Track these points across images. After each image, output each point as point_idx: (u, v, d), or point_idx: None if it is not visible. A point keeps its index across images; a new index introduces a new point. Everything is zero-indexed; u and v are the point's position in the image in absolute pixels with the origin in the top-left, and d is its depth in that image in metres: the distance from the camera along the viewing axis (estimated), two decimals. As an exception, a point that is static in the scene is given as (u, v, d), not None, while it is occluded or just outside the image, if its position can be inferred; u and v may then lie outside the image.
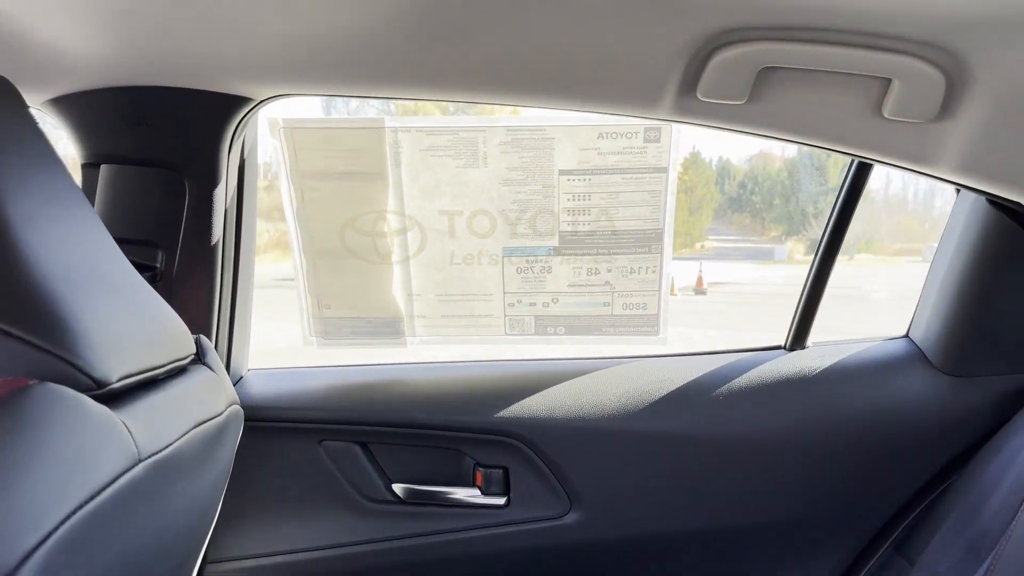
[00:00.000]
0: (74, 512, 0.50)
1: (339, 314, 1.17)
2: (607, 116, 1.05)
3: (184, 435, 0.68)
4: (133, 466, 0.58)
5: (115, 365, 0.60)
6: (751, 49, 0.80)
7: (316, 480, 1.15)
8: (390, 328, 1.18)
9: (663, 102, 0.92)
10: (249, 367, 1.21)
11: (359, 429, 1.14)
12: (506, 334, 1.19)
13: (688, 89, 0.88)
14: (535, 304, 1.16)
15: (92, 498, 0.52)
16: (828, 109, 0.89)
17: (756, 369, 1.16)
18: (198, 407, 0.73)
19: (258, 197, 1.15)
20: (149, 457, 0.61)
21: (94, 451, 0.54)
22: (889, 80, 0.83)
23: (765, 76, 0.85)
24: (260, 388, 1.16)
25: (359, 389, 1.16)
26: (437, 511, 1.15)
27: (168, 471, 0.65)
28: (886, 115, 0.86)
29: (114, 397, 0.60)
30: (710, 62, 0.82)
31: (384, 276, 1.16)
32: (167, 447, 0.64)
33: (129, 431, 0.59)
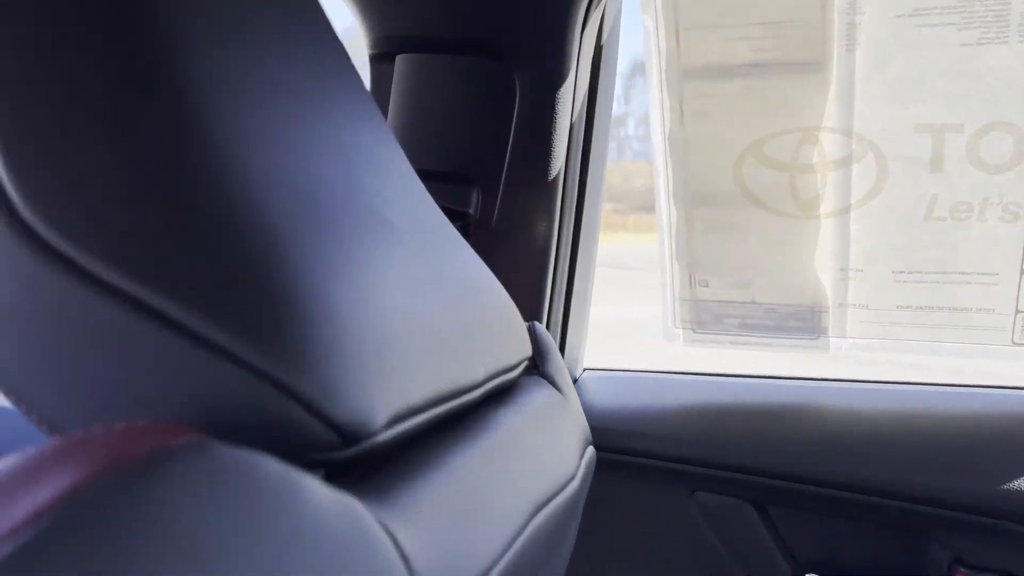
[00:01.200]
0: None
1: (722, 296, 0.76)
2: None
3: (519, 535, 0.31)
4: None
5: (388, 394, 0.24)
6: None
7: (684, 549, 0.75)
8: (805, 321, 0.74)
9: None
10: (585, 365, 0.84)
11: (753, 480, 0.71)
12: (1014, 343, 0.69)
13: None
14: None
15: None
16: None
17: None
18: (541, 469, 0.36)
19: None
20: None
21: None
22: None
23: None
24: (603, 400, 0.78)
25: (754, 416, 0.74)
26: None
27: None
28: None
29: (373, 466, 0.26)
30: None
31: (802, 237, 0.72)
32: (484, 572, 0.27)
33: (398, 545, 0.23)
